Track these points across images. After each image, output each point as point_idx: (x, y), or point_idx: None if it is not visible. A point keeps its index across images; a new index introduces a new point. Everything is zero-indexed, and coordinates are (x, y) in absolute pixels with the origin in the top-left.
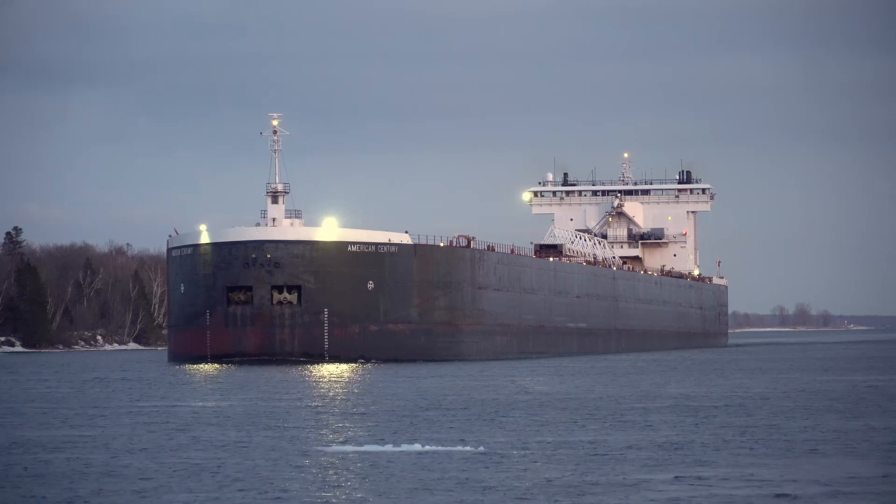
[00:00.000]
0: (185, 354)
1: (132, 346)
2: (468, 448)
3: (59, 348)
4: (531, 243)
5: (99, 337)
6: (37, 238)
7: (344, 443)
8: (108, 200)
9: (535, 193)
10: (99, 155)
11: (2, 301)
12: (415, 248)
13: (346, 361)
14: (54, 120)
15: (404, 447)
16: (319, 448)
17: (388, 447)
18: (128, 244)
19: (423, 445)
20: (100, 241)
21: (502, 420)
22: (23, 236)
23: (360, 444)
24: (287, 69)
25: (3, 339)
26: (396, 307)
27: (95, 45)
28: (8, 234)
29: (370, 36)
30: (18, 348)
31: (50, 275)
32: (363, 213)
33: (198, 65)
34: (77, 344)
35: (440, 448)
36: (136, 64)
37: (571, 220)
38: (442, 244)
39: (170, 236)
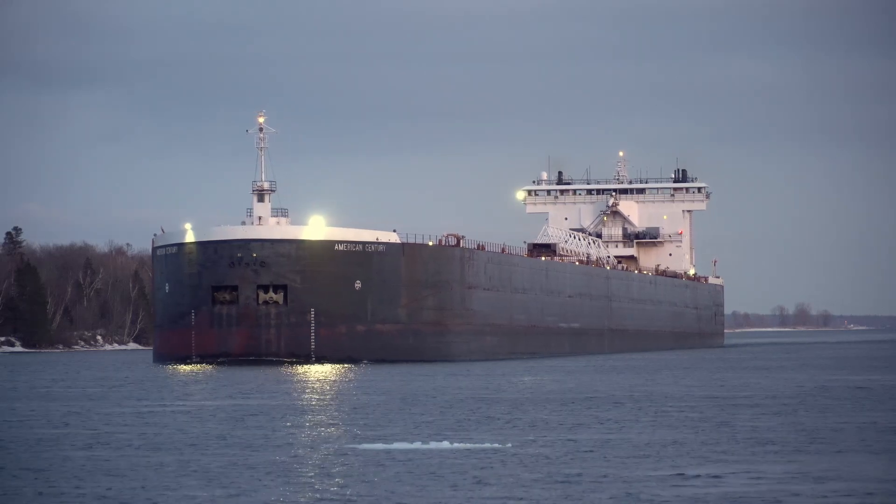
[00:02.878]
0: (171, 355)
1: (132, 346)
2: (496, 445)
3: (59, 348)
4: (524, 242)
5: (99, 337)
6: (37, 238)
7: (373, 441)
8: (108, 200)
9: (530, 192)
10: (99, 155)
11: (2, 301)
12: (403, 247)
13: (333, 362)
14: (54, 120)
15: (433, 444)
16: (350, 446)
17: (417, 444)
18: (128, 244)
19: (451, 443)
20: (100, 241)
21: (520, 417)
22: (23, 236)
23: (390, 442)
24: (283, 70)
25: (3, 339)
26: (384, 307)
27: (95, 47)
28: (8, 234)
29: (366, 37)
30: (18, 348)
31: (50, 275)
32: (356, 214)
33: (197, 66)
34: (77, 344)
35: (469, 445)
36: (136, 65)
37: (566, 219)
38: (431, 243)
39: (155, 235)
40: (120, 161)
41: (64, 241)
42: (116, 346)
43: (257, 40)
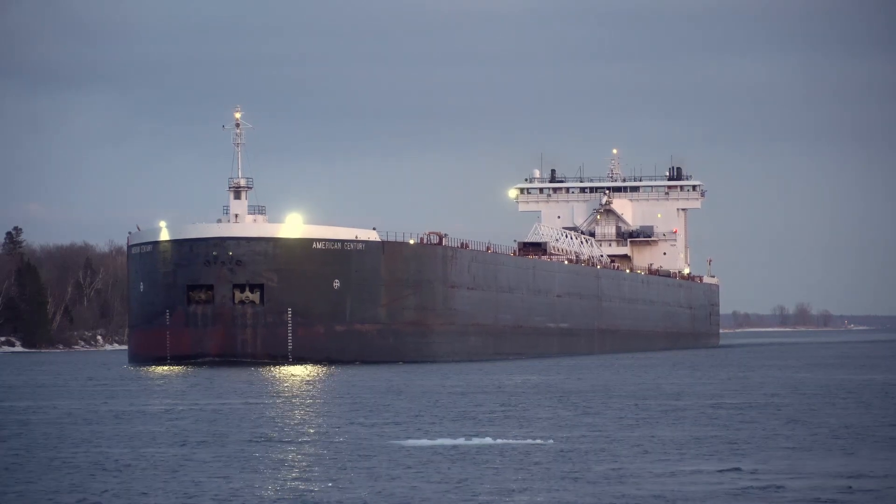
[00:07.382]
0: (145, 355)
1: None
2: (538, 441)
3: (59, 348)
4: (515, 241)
5: (99, 337)
6: (37, 238)
7: (417, 437)
8: (108, 200)
9: (522, 190)
10: (100, 155)
11: (2, 301)
12: (383, 246)
13: (311, 363)
14: (55, 121)
15: (475, 441)
16: (394, 442)
17: (461, 440)
18: None
19: (493, 439)
20: (100, 241)
21: (542, 414)
22: (23, 236)
23: (434, 438)
24: (269, 68)
25: (3, 339)
26: (363, 306)
27: (96, 48)
28: (8, 234)
29: (359, 36)
30: (18, 348)
31: (50, 275)
32: (338, 212)
33: (197, 67)
34: (77, 344)
35: (510, 441)
36: (136, 66)
37: (559, 217)
38: (412, 241)
39: (130, 233)
40: (120, 162)
41: (64, 241)
42: (117, 346)
43: (245, 40)
